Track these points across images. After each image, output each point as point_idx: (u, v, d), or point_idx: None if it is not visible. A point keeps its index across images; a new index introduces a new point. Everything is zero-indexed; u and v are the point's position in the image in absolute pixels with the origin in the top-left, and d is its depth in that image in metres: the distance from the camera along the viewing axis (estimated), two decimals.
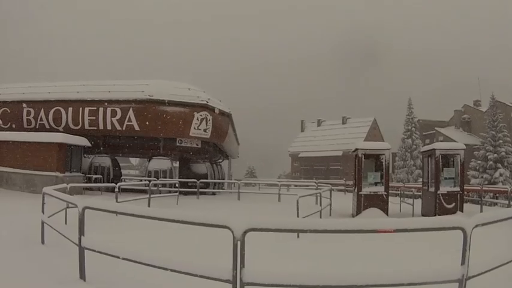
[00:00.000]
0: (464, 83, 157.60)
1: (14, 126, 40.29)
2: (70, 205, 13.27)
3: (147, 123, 36.93)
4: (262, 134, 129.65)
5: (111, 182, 35.41)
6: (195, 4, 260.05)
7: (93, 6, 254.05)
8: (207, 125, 36.82)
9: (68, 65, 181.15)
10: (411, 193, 29.41)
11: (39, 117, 39.99)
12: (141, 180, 39.91)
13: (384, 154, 22.70)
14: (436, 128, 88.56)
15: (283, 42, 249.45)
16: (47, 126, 39.52)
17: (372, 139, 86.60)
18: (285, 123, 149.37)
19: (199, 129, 36.81)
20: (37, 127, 39.70)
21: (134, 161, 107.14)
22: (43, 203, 12.71)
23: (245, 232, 5.76)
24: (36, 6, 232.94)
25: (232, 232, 5.81)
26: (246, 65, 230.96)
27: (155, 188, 28.76)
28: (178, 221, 6.67)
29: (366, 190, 22.45)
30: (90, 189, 33.16)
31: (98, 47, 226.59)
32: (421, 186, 28.98)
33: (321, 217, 18.98)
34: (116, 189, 20.92)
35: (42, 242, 12.34)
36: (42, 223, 12.34)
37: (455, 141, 56.67)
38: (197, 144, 38.29)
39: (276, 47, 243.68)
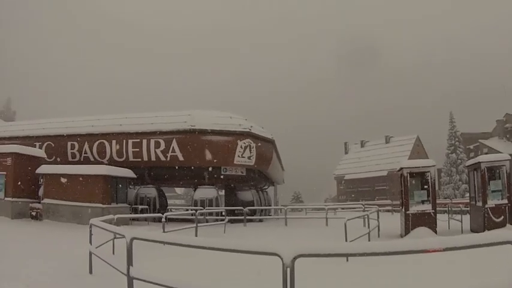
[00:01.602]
0: (491, 90, 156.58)
1: (58, 159, 40.94)
2: (117, 236, 13.33)
3: (191, 153, 37.11)
4: (306, 158, 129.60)
5: (158, 212, 35.44)
6: (226, 32, 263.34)
7: (117, 39, 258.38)
8: (250, 152, 36.80)
9: (95, 95, 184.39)
10: (459, 209, 29.03)
11: (84, 150, 40.67)
12: (187, 210, 40.00)
13: (429, 171, 22.43)
14: (479, 140, 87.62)
15: (313, 63, 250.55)
16: (92, 159, 40.17)
17: (416, 157, 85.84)
18: (327, 145, 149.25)
19: (244, 157, 36.80)
20: (82, 160, 40.35)
21: (179, 190, 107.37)
22: (90, 234, 12.87)
23: (294, 258, 5.65)
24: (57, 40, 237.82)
25: (282, 259, 5.71)
26: (278, 89, 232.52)
27: (202, 217, 28.73)
28: (226, 250, 6.64)
29: (413, 209, 22.18)
30: (137, 219, 33.32)
31: (123, 77, 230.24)
32: (468, 201, 28.49)
33: (369, 239, 18.81)
34: (163, 219, 20.97)
35: (90, 272, 12.47)
36: (90, 254, 12.48)
37: (500, 152, 56.21)
38: (242, 172, 38.24)
39: (304, 70, 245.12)
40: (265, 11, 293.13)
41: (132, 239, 8.32)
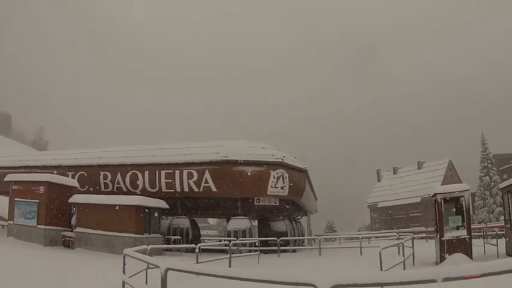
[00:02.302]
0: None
1: (91, 189, 41.46)
2: (151, 266, 13.36)
3: (224, 184, 37.14)
4: (338, 186, 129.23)
5: (190, 243, 35.49)
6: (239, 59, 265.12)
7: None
8: (283, 182, 36.64)
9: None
10: (494, 233, 28.67)
11: (116, 181, 41.11)
12: (220, 241, 39.93)
13: (463, 196, 22.12)
14: None
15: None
16: (124, 190, 40.53)
17: (449, 181, 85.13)
18: (358, 172, 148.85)
19: (277, 187, 36.64)
20: (114, 190, 40.79)
21: (212, 221, 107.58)
22: (124, 264, 12.95)
23: None
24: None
25: None
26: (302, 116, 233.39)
27: (235, 248, 28.63)
28: (261, 281, 6.58)
29: (448, 235, 21.85)
30: (170, 250, 33.31)
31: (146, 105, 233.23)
32: (503, 224, 28.08)
33: (404, 268, 18.63)
34: (196, 250, 20.93)
35: None
36: (123, 283, 12.59)
37: None
38: (275, 202, 38.02)
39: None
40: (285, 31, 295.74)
41: (167, 269, 8.34)
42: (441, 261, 21.80)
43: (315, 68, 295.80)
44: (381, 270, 15.87)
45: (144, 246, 17.25)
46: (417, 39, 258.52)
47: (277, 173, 36.59)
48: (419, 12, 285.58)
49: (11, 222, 37.35)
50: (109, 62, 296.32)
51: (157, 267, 8.79)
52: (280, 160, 36.96)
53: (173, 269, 8.44)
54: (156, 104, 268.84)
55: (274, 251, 32.54)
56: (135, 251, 13.53)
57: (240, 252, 29.27)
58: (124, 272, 12.85)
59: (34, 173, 40.75)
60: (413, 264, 22.41)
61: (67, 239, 35.37)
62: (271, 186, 36.55)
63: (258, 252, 28.01)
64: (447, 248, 21.65)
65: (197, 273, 8.32)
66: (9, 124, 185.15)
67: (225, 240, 33.98)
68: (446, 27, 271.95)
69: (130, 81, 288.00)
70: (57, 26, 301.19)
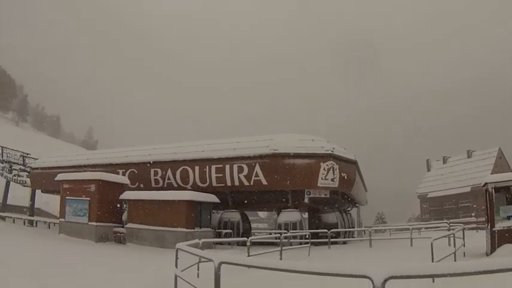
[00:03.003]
0: None
1: (142, 185, 42.27)
2: (202, 260, 13.51)
3: (275, 177, 37.25)
4: (387, 177, 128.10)
5: (241, 236, 35.66)
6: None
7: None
8: (334, 174, 36.50)
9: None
10: None
11: (167, 177, 41.70)
12: (270, 234, 40.01)
13: None
14: None
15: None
16: (175, 185, 41.08)
17: (499, 170, 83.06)
18: (407, 162, 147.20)
19: (327, 179, 36.52)
20: (165, 186, 41.47)
21: (262, 214, 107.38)
22: (176, 258, 13.08)
23: (385, 280, 5.65)
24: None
25: (372, 281, 5.71)
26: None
27: (286, 241, 28.67)
28: (314, 273, 6.62)
29: (499, 226, 21.43)
30: (220, 244, 33.54)
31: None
32: None
33: (455, 259, 18.53)
34: (248, 243, 21.06)
35: None
36: (176, 277, 12.74)
37: None
38: (326, 194, 37.87)
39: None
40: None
41: (221, 263, 8.43)
42: (491, 252, 21.47)
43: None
44: (432, 261, 15.81)
45: (196, 240, 17.42)
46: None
47: (327, 164, 36.46)
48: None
49: (62, 219, 38.36)
50: (151, 69, 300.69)
51: (211, 260, 8.86)
52: (330, 152, 36.80)
53: (227, 263, 8.51)
54: (202, 108, 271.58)
55: (325, 243, 32.52)
56: (187, 245, 13.68)
57: (291, 245, 29.30)
58: (176, 265, 13.01)
59: (85, 171, 41.43)
60: (464, 256, 22.21)
61: (118, 234, 35.99)
62: (322, 178, 36.42)
63: (308, 245, 28.03)
64: (498, 238, 21.21)
65: (251, 266, 8.40)
66: (59, 126, 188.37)
67: (275, 233, 34.08)
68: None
69: (174, 89, 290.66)
70: (104, 30, 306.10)
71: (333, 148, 37.18)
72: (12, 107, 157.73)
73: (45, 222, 50.69)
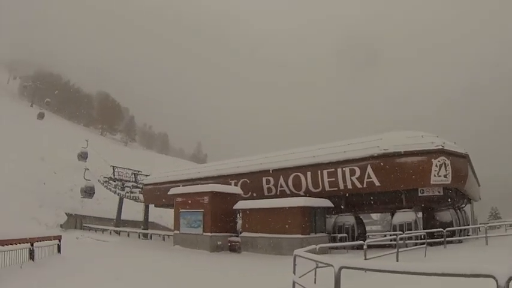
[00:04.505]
0: None
1: (254, 194, 42.48)
2: (320, 265, 13.32)
3: (387, 177, 36.39)
4: (500, 170, 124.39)
5: (356, 240, 35.26)
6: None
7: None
8: (446, 170, 35.40)
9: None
10: None
11: (279, 184, 41.79)
12: (384, 236, 39.40)
13: None
14: None
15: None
16: (288, 192, 41.06)
17: None
18: None
19: (439, 176, 35.44)
20: (278, 194, 41.46)
21: (375, 216, 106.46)
22: (294, 264, 13.05)
23: (510, 279, 5.30)
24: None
25: (497, 281, 5.37)
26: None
27: (401, 242, 28.06)
28: (435, 274, 6.28)
29: None
30: (335, 248, 33.20)
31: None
32: None
33: None
34: (365, 247, 20.70)
35: None
36: (294, 283, 12.65)
37: None
38: (439, 192, 36.61)
39: None
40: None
41: (341, 267, 8.20)
42: None
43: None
44: None
45: (313, 246, 17.25)
46: None
47: (438, 161, 35.42)
48: None
49: (177, 232, 39.23)
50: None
51: (330, 265, 8.69)
52: (441, 147, 35.67)
53: (347, 267, 8.31)
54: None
55: (440, 243, 31.55)
56: (305, 251, 13.56)
57: (406, 246, 28.67)
58: (294, 272, 12.89)
59: (197, 184, 42.15)
60: None
61: (233, 243, 36.34)
62: (434, 175, 35.35)
63: (424, 245, 27.26)
64: None
65: (370, 270, 8.11)
66: (167, 142, 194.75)
67: (390, 235, 33.50)
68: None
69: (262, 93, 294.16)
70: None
71: (443, 143, 36.13)
72: (120, 128, 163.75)
73: (159, 235, 51.92)
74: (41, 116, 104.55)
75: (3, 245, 18.05)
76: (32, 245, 21.88)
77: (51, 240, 25.88)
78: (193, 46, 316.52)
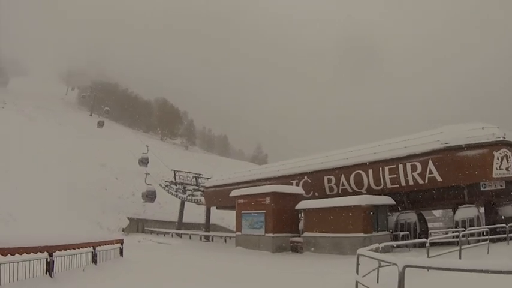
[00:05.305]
0: None
1: (316, 194, 42.37)
2: (382, 264, 13.32)
3: (448, 172, 35.65)
4: None
5: (419, 238, 34.86)
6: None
7: None
8: (508, 163, 34.56)
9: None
10: None
11: (341, 183, 41.50)
12: (446, 233, 38.93)
13: None
14: None
15: None
16: (349, 190, 40.78)
17: None
18: None
19: (501, 169, 34.57)
20: (339, 192, 41.22)
21: (437, 212, 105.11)
22: (357, 264, 13.08)
23: None
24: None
25: None
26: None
27: (464, 239, 27.66)
28: (500, 272, 6.25)
29: None
30: (398, 246, 32.96)
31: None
32: None
33: None
34: (427, 244, 20.56)
35: None
36: (356, 283, 12.64)
37: None
38: (501, 186, 35.50)
39: None
40: None
41: (405, 266, 8.21)
42: None
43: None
44: None
45: (376, 245, 17.23)
46: None
47: (500, 153, 34.58)
48: None
49: (238, 233, 39.64)
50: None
51: (395, 264, 8.68)
52: (502, 138, 34.79)
53: (412, 266, 8.29)
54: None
55: (503, 239, 30.67)
56: (367, 250, 13.60)
57: (469, 243, 28.25)
58: (357, 272, 12.91)
59: (258, 185, 42.36)
60: None
61: (295, 244, 36.52)
62: (496, 168, 34.45)
63: (487, 242, 26.79)
64: None
65: (434, 269, 8.11)
66: (227, 144, 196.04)
67: (453, 231, 33.06)
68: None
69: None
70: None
71: (504, 134, 35.34)
72: (179, 132, 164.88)
73: (221, 237, 52.38)
74: (100, 124, 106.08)
75: (65, 250, 18.48)
76: (94, 248, 22.54)
77: (113, 244, 26.57)
78: (248, 46, 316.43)
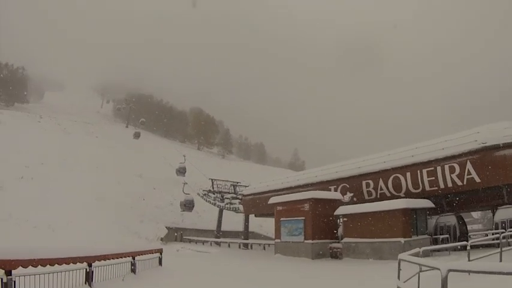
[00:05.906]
0: None
1: (355, 199, 42.06)
2: (423, 269, 13.33)
3: (487, 172, 34.93)
4: None
5: (458, 241, 34.57)
6: None
7: None
8: None
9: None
10: None
11: (379, 187, 41.19)
12: (486, 235, 38.56)
13: None
14: None
15: None
16: (388, 195, 40.39)
17: None
18: None
19: None
20: (378, 197, 40.92)
21: (476, 214, 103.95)
22: (399, 269, 13.07)
23: None
24: None
25: None
26: None
27: (504, 240, 27.36)
28: None
29: None
30: (437, 250, 32.72)
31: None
32: None
33: None
34: (468, 247, 20.48)
35: None
36: None
37: None
38: None
39: None
40: None
41: (449, 270, 8.27)
42: None
43: None
44: None
45: (417, 249, 17.23)
46: None
47: None
48: None
49: (277, 240, 39.75)
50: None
51: (437, 269, 8.72)
52: None
53: (455, 270, 8.36)
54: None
55: None
56: (409, 254, 13.63)
57: (509, 245, 27.91)
58: (399, 277, 12.95)
59: (296, 192, 42.39)
60: None
61: (334, 250, 36.51)
62: None
63: None
64: None
65: (477, 272, 8.17)
66: (264, 152, 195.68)
67: (493, 233, 32.73)
68: None
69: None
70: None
71: None
72: (216, 141, 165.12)
73: (259, 244, 52.48)
74: (136, 135, 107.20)
75: (104, 260, 18.76)
76: (133, 258, 22.82)
77: (152, 253, 26.86)
78: (281, 51, 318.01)
